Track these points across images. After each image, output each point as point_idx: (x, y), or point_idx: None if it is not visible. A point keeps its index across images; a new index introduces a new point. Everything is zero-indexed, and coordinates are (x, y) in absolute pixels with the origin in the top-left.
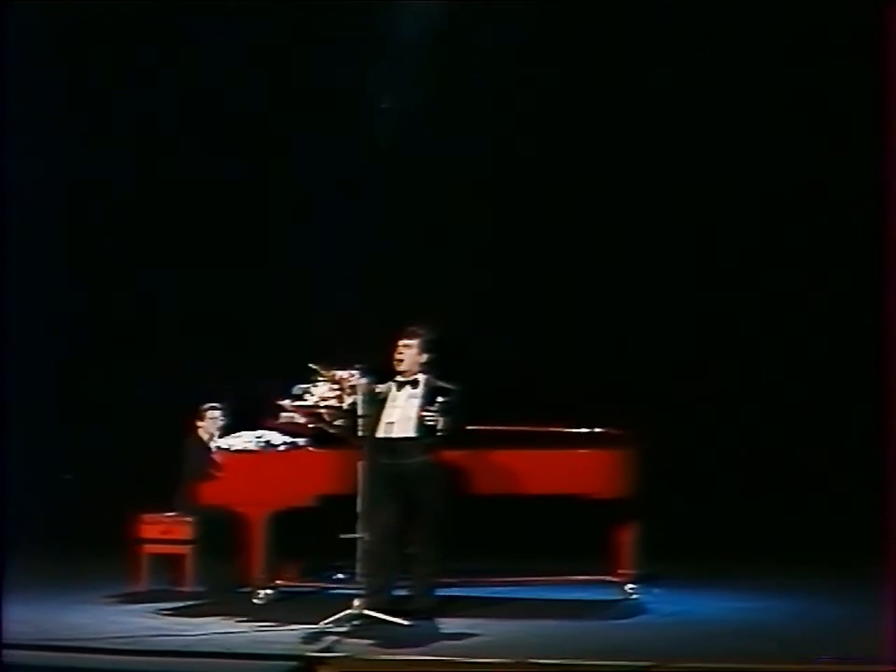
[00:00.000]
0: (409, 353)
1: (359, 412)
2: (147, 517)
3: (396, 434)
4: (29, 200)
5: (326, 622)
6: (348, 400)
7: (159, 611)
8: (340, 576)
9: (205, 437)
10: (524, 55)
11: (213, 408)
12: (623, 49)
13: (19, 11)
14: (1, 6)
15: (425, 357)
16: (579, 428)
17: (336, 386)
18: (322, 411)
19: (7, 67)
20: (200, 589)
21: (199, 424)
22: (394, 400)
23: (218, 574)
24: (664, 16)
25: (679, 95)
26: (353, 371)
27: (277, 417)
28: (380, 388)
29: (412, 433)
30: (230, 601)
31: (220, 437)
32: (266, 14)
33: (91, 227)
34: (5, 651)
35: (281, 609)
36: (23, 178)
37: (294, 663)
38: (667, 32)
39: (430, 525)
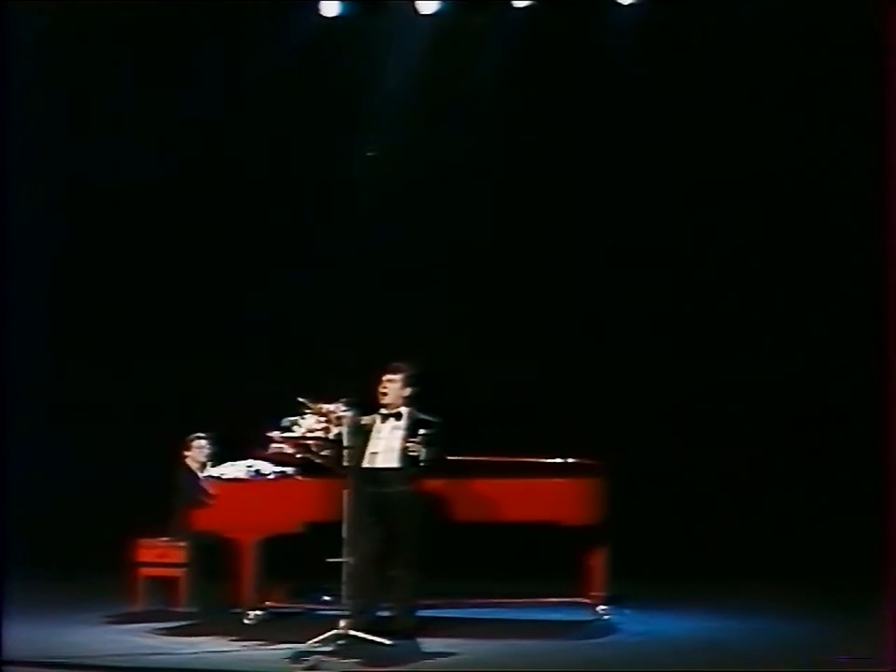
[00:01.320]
0: (393, 387)
1: (345, 443)
2: (144, 541)
3: (380, 464)
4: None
5: (313, 641)
6: (334, 431)
7: (154, 631)
8: (326, 598)
9: (193, 466)
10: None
11: (199, 437)
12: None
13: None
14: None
15: (408, 391)
16: (552, 458)
17: (323, 419)
18: (309, 442)
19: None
20: (193, 610)
21: (186, 453)
22: (378, 432)
23: (211, 596)
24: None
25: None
26: (339, 404)
27: (267, 448)
28: (365, 420)
29: (395, 463)
30: (221, 621)
31: (210, 466)
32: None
33: (80, 261)
34: (5, 668)
35: (270, 629)
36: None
37: None
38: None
39: (411, 550)
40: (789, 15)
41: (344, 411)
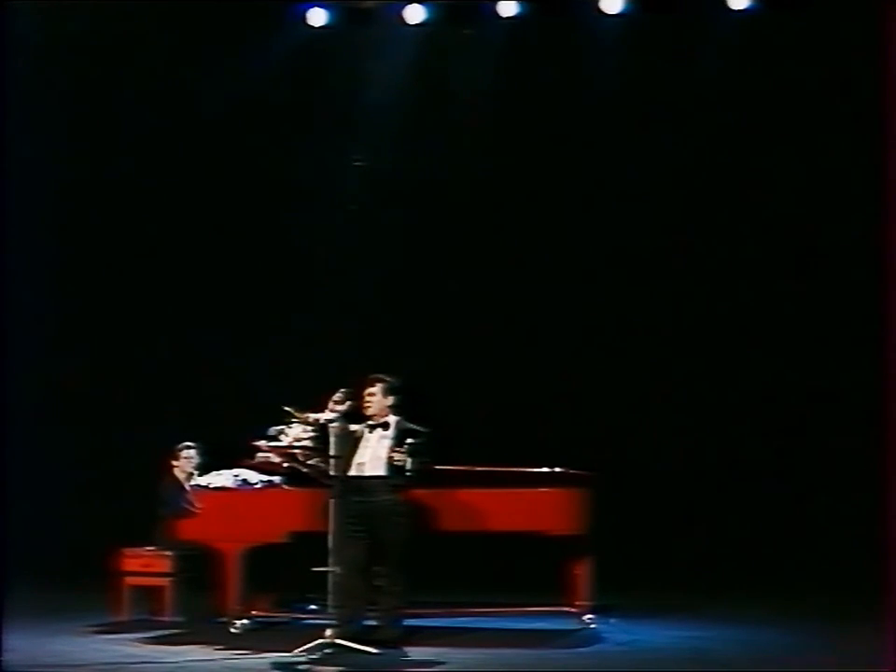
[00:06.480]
0: (374, 399)
1: (332, 452)
2: (129, 551)
3: (366, 474)
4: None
5: (299, 650)
6: (323, 416)
7: (140, 640)
8: (312, 607)
9: (181, 476)
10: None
11: (188, 447)
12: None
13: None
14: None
15: (391, 400)
16: (538, 468)
17: (309, 428)
18: (296, 451)
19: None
20: (178, 619)
21: (174, 463)
22: (366, 442)
23: (196, 605)
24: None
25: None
26: (337, 396)
27: (254, 457)
28: (354, 428)
29: (381, 473)
30: (207, 631)
31: (197, 475)
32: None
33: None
34: None
35: (256, 639)
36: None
37: None
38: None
39: (397, 560)
40: (787, 16)
41: (337, 404)
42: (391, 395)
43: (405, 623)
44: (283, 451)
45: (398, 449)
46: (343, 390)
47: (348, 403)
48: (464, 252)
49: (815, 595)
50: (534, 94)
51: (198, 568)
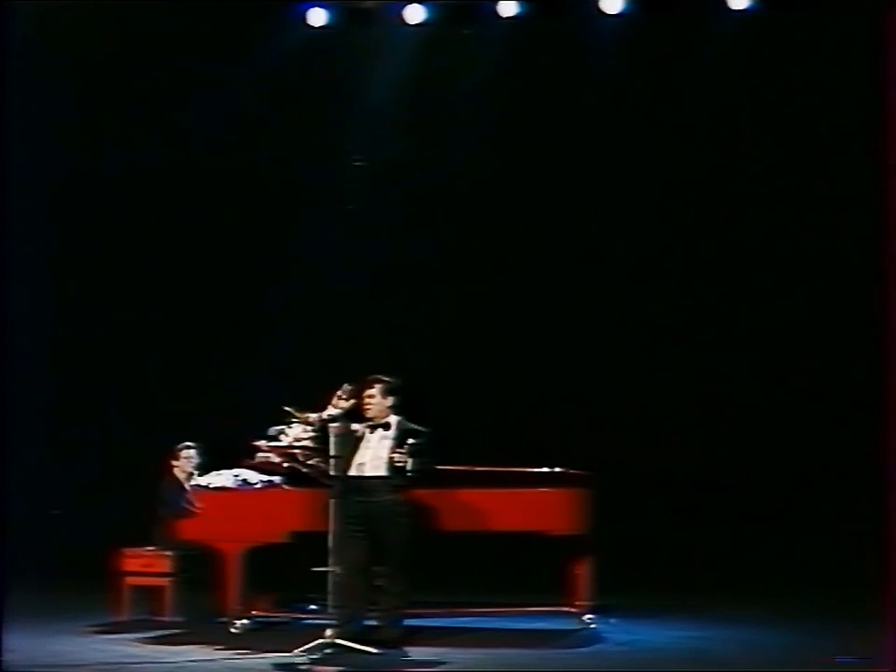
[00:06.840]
0: (374, 400)
1: (332, 452)
2: (129, 551)
3: (366, 474)
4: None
5: (299, 650)
6: (325, 413)
7: (140, 640)
8: (313, 607)
9: (181, 476)
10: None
11: (188, 447)
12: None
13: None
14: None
15: (391, 401)
16: (539, 468)
17: (309, 428)
18: (296, 451)
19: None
20: (179, 619)
21: (174, 463)
22: (367, 442)
23: (196, 605)
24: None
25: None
26: (342, 390)
27: (254, 457)
28: (355, 427)
29: (381, 473)
30: (207, 631)
31: (197, 475)
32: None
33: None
34: None
35: (257, 639)
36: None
37: None
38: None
39: (398, 560)
40: (787, 16)
41: (342, 398)
42: (391, 395)
43: (405, 623)
44: (283, 451)
45: (399, 449)
46: (348, 386)
47: (352, 401)
48: (464, 252)
49: (815, 594)
50: (534, 94)
51: (198, 568)
